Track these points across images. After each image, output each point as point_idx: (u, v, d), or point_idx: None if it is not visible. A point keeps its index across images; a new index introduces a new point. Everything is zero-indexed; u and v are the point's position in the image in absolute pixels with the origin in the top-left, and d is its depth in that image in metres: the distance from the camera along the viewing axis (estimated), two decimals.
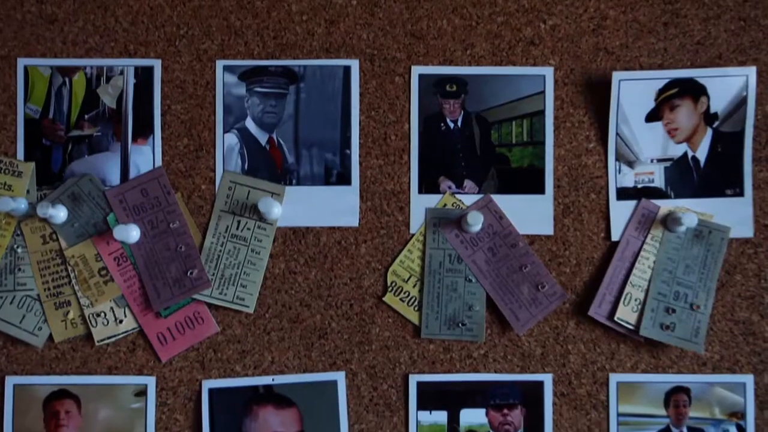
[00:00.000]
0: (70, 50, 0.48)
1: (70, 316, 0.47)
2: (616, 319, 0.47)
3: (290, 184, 0.48)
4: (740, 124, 0.48)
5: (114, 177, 0.48)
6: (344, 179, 0.48)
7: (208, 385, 0.48)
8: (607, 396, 0.48)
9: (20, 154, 0.48)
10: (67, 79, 0.48)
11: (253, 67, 0.48)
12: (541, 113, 0.48)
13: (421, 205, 0.48)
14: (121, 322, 0.47)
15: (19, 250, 0.47)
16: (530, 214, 0.48)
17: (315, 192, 0.48)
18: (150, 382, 0.48)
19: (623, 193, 0.48)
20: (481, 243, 0.48)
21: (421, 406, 0.48)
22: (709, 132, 0.48)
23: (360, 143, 0.48)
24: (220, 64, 0.48)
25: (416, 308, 0.48)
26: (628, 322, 0.47)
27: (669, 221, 0.47)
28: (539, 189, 0.48)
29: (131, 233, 0.46)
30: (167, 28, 0.48)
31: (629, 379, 0.48)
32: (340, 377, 0.48)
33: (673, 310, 0.47)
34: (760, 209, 0.48)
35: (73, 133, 0.48)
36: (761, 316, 0.48)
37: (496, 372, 0.48)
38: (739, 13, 0.48)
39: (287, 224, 0.48)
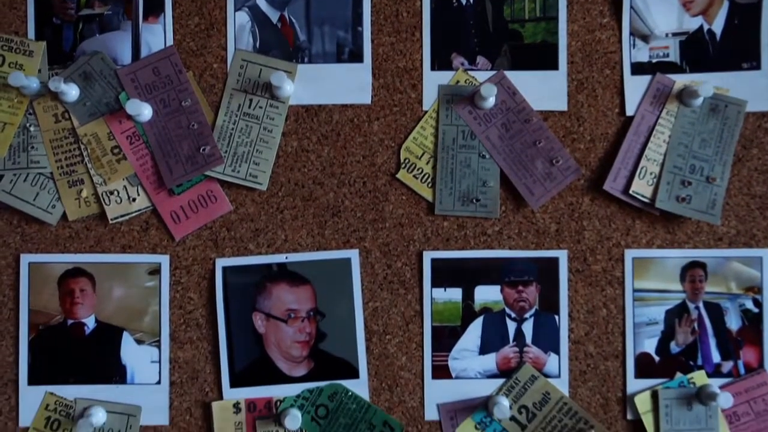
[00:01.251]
0: None
1: (84, 194, 0.47)
2: (631, 192, 0.47)
3: (302, 62, 0.48)
4: None
5: (125, 56, 0.48)
6: (356, 56, 0.48)
7: (221, 263, 0.48)
8: (623, 272, 0.48)
9: (31, 33, 0.48)
10: None
11: None
12: None
13: (433, 81, 0.48)
14: (134, 200, 0.47)
15: (32, 128, 0.47)
16: (543, 91, 0.48)
17: (327, 70, 0.48)
18: (164, 260, 0.48)
19: (638, 68, 0.48)
20: (494, 119, 0.48)
21: (435, 283, 0.48)
22: (726, 4, 0.48)
23: (372, 20, 0.48)
24: None
25: (430, 185, 0.48)
26: (643, 196, 0.47)
27: (684, 95, 0.47)
28: (552, 65, 0.48)
29: (143, 109, 0.46)
30: None
31: (645, 255, 0.48)
32: (353, 255, 0.48)
33: (689, 183, 0.47)
34: None
35: (84, 11, 0.48)
36: None
37: (510, 249, 0.48)
38: None
39: (299, 102, 0.48)
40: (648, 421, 0.47)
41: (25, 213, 0.47)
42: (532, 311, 0.48)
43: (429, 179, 0.48)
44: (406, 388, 0.48)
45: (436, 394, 0.48)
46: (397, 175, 0.48)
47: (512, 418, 0.47)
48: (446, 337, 0.48)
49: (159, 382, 0.48)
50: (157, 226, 0.48)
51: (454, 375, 0.48)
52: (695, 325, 0.48)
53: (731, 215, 0.48)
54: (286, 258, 0.48)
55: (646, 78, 0.48)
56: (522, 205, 0.48)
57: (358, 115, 0.48)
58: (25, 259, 0.47)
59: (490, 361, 0.48)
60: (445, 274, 0.48)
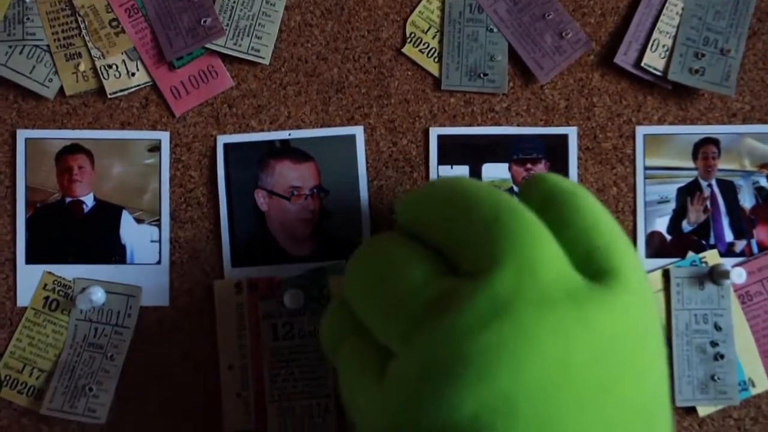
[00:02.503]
0: None
1: (81, 67, 0.46)
2: (643, 65, 0.46)
3: None
4: None
5: None
6: None
7: (222, 140, 0.47)
8: (634, 149, 0.47)
9: None
10: None
11: None
12: None
13: None
14: (133, 75, 0.46)
15: (27, 0, 0.46)
16: None
17: None
18: (164, 137, 0.47)
19: None
20: None
21: (441, 161, 0.47)
22: None
23: None
24: None
25: (436, 60, 0.47)
26: (655, 68, 0.46)
27: None
28: None
29: None
30: None
31: (656, 132, 0.47)
32: (358, 131, 0.47)
33: (703, 55, 0.46)
34: None
35: None
36: None
37: (518, 126, 0.47)
38: None
39: None
40: (659, 300, 0.46)
41: (21, 87, 0.46)
42: None
43: (435, 54, 0.47)
44: None
45: None
46: (403, 50, 0.47)
47: None
48: None
49: (159, 262, 0.47)
50: (156, 102, 0.47)
51: None
52: (708, 203, 0.47)
53: (745, 91, 0.47)
54: (289, 135, 0.47)
55: None
56: (530, 81, 0.47)
57: None
58: (22, 134, 0.46)
59: None
60: (452, 151, 0.47)
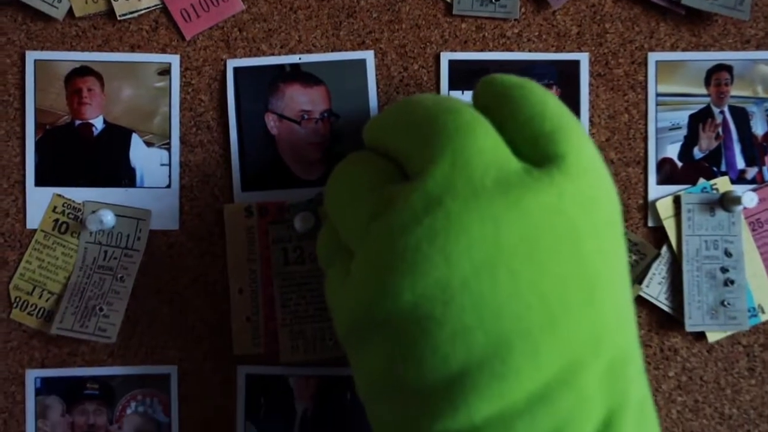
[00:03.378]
0: None
1: None
2: None
3: None
4: None
5: None
6: None
7: (233, 64, 0.46)
8: (646, 76, 0.47)
9: None
10: None
11: None
12: None
13: None
14: None
15: None
16: None
17: None
18: (174, 60, 0.46)
19: None
20: None
21: (453, 86, 0.46)
22: None
23: None
24: None
25: None
26: None
27: None
28: None
29: None
30: None
31: (669, 58, 0.46)
32: (369, 56, 0.46)
33: None
34: None
35: None
36: None
37: (530, 51, 0.47)
38: None
39: None
40: (669, 226, 0.46)
41: (30, 8, 0.46)
42: None
43: None
44: None
45: None
46: None
47: None
48: None
49: (169, 186, 0.46)
50: (166, 25, 0.46)
51: None
52: (719, 129, 0.47)
53: (759, 17, 0.46)
54: (300, 59, 0.46)
55: None
56: (542, 6, 0.46)
57: None
58: (31, 56, 0.46)
59: None
60: (463, 76, 0.46)
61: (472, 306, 0.25)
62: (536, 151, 0.29)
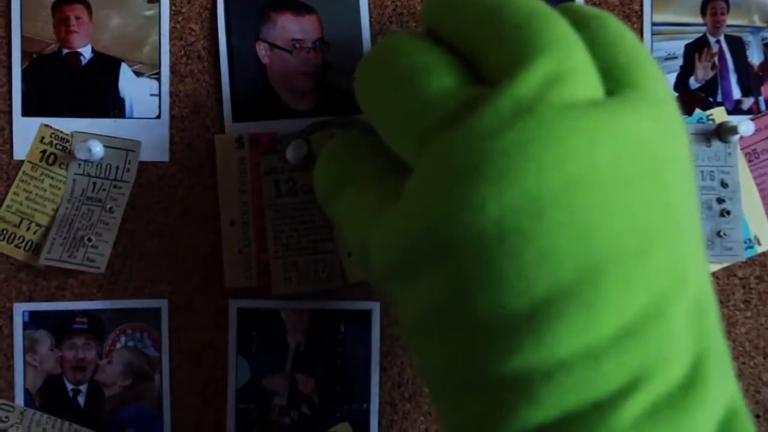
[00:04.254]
0: None
1: None
2: None
3: None
4: None
5: None
6: None
7: None
8: (641, 5, 0.46)
9: None
10: None
11: None
12: None
13: None
14: None
15: None
16: None
17: None
18: None
19: None
20: None
21: None
22: None
23: None
24: None
25: None
26: None
27: None
28: None
29: None
30: None
31: None
32: None
33: None
34: None
35: None
36: None
37: None
38: None
39: None
40: None
41: None
42: None
43: None
44: None
45: None
46: None
47: None
48: None
49: (159, 117, 0.46)
50: None
51: None
52: (715, 59, 0.46)
53: None
54: None
55: None
56: None
57: None
58: None
59: None
60: None
61: (563, 224, 0.23)
62: (610, 81, 0.27)
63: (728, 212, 0.45)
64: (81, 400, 0.46)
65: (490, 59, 0.27)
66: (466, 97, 0.26)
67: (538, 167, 0.23)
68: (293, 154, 0.44)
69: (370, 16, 0.46)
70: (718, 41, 0.46)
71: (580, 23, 0.29)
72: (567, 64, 0.25)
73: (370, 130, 0.35)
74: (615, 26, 0.30)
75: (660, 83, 0.29)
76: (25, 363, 0.46)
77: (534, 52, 0.25)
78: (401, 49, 0.31)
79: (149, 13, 0.46)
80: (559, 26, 0.27)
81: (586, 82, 0.26)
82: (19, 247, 0.45)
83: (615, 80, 0.27)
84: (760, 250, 0.46)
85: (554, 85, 0.25)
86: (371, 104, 0.32)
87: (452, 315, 0.25)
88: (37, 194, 0.45)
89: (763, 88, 0.46)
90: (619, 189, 0.24)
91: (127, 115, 0.46)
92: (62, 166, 0.45)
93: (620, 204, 0.24)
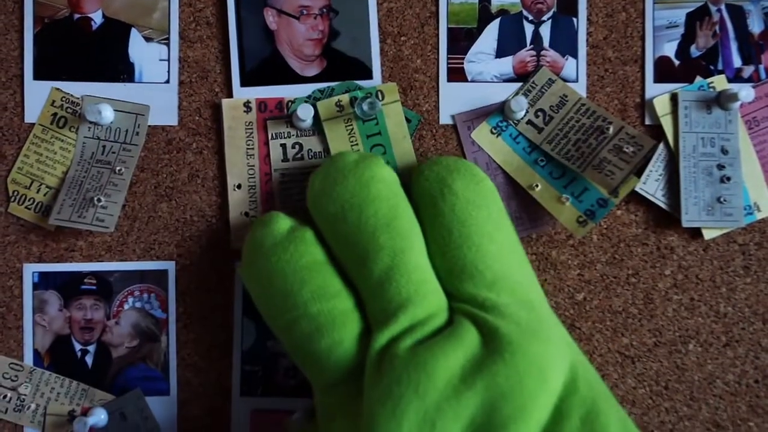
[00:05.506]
0: None
1: None
2: None
3: None
4: None
5: None
6: None
7: None
8: None
9: None
10: None
11: None
12: None
13: None
14: None
15: None
16: None
17: None
18: None
19: None
20: None
21: None
22: None
23: None
24: None
25: None
26: None
27: None
28: None
29: None
30: None
31: None
32: None
33: None
34: None
35: None
36: None
37: None
38: None
39: None
40: (666, 123, 0.46)
41: None
42: (550, 13, 0.47)
43: None
44: (421, 91, 0.47)
45: (452, 97, 0.47)
46: None
47: (529, 122, 0.46)
48: (462, 40, 0.47)
49: (168, 81, 0.46)
50: None
51: (470, 78, 0.47)
52: (716, 28, 0.47)
53: None
54: None
55: None
56: None
57: None
58: None
59: (506, 64, 0.47)
60: None
61: None
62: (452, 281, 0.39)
63: (728, 178, 0.46)
64: (89, 360, 0.46)
65: (365, 300, 0.38)
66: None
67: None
68: (301, 111, 0.44)
69: None
70: (719, 10, 0.47)
71: (428, 202, 0.39)
72: (420, 316, 0.36)
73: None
74: (457, 213, 0.38)
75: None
76: (35, 323, 0.46)
77: (394, 311, 0.36)
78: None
79: None
80: (415, 276, 0.37)
81: (435, 322, 0.36)
82: (30, 209, 0.46)
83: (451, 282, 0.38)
84: (759, 216, 0.46)
85: (410, 333, 0.35)
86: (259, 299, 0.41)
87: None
88: (47, 156, 0.46)
89: (763, 57, 0.47)
90: None
91: (136, 80, 0.46)
92: (72, 129, 0.46)
93: None
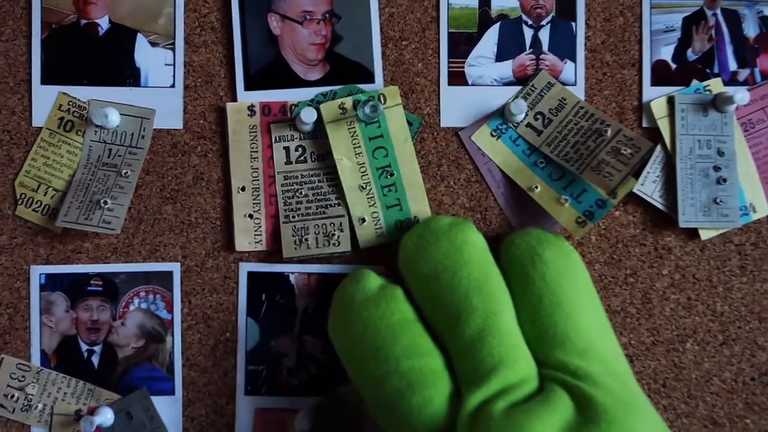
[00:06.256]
0: None
1: None
2: None
3: None
4: None
5: None
6: None
7: None
8: None
9: None
10: None
11: None
12: None
13: None
14: None
15: None
16: None
17: None
18: None
19: None
20: None
21: None
22: None
23: None
24: None
25: None
26: None
27: None
28: None
29: None
30: None
31: None
32: None
33: None
34: None
35: None
36: None
37: None
38: None
39: None
40: (664, 126, 0.47)
41: None
42: (549, 18, 0.48)
43: None
44: (422, 95, 0.47)
45: (453, 100, 0.47)
46: None
47: (528, 125, 0.47)
48: (462, 44, 0.48)
49: (173, 86, 0.47)
50: None
51: (470, 82, 0.48)
52: (712, 32, 0.48)
53: None
54: None
55: None
56: None
57: None
58: None
59: (506, 68, 0.48)
60: None
61: None
62: (542, 347, 0.39)
63: (724, 180, 0.46)
64: (95, 360, 0.47)
65: (454, 361, 0.39)
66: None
67: None
68: (305, 114, 0.44)
69: None
70: (714, 14, 0.48)
71: (519, 271, 0.40)
72: (512, 380, 0.36)
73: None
74: (547, 281, 0.39)
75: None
76: (42, 324, 0.47)
77: (486, 373, 0.36)
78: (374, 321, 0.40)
79: None
80: (506, 339, 0.37)
81: (526, 387, 0.37)
82: (37, 211, 0.47)
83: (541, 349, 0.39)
84: (755, 216, 0.47)
85: (503, 396, 0.36)
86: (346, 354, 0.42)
87: None
88: (54, 160, 0.47)
89: (758, 60, 0.48)
90: None
91: (142, 84, 0.47)
92: (79, 132, 0.47)
93: None
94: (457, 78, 0.47)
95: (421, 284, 0.40)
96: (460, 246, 0.40)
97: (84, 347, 0.47)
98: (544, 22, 0.48)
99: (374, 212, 0.46)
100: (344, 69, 0.47)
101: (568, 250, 0.41)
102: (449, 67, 0.47)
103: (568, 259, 0.40)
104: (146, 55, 0.47)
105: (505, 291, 0.40)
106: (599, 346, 0.38)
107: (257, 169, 0.47)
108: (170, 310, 0.47)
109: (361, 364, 0.40)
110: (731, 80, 0.48)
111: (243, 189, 0.47)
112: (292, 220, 0.47)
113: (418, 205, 0.47)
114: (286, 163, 0.47)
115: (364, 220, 0.46)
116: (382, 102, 0.47)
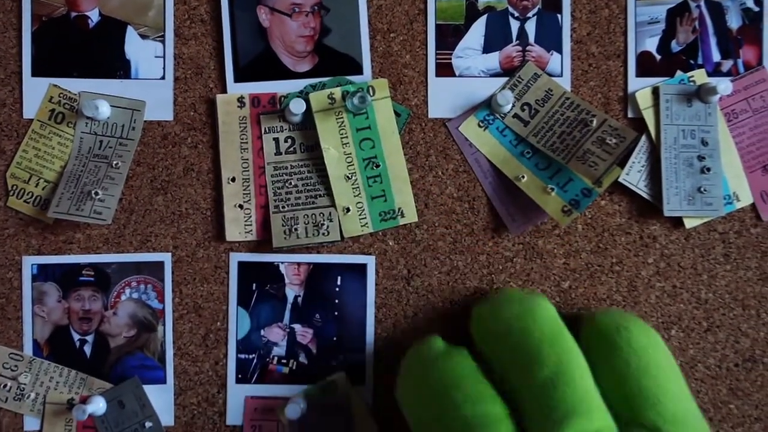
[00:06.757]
0: None
1: None
2: None
3: None
4: None
5: None
6: None
7: None
8: None
9: None
10: None
11: None
12: None
13: None
14: None
15: None
16: None
17: None
18: None
19: None
20: None
21: None
22: None
23: None
24: None
25: None
26: None
27: None
28: None
29: None
30: None
31: None
32: None
33: None
34: None
35: None
36: None
37: None
38: None
39: None
40: (648, 116, 0.48)
41: None
42: (535, 10, 0.48)
43: None
44: (410, 86, 0.48)
45: (440, 92, 0.48)
46: None
47: (515, 115, 0.48)
48: (450, 36, 0.48)
49: (163, 78, 0.48)
50: None
51: (457, 73, 0.48)
52: (696, 23, 0.48)
53: None
54: None
55: None
56: None
57: None
58: None
59: (493, 59, 0.48)
60: None
61: None
62: (625, 409, 0.39)
63: (708, 169, 0.47)
64: (87, 349, 0.47)
65: (523, 406, 0.39)
66: None
67: None
68: (294, 105, 0.45)
69: None
70: (698, 6, 0.48)
71: (603, 340, 0.41)
72: (590, 429, 0.36)
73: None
74: (634, 347, 0.40)
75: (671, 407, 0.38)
76: (34, 314, 0.47)
77: (561, 418, 0.36)
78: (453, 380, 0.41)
79: None
80: (580, 388, 0.37)
81: None
82: (28, 203, 0.47)
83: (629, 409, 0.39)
84: (738, 205, 0.48)
85: None
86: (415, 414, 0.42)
87: None
88: (45, 151, 0.47)
89: (741, 51, 0.48)
90: None
91: (132, 76, 0.48)
92: (70, 124, 0.47)
93: None
94: (445, 69, 0.48)
95: (493, 340, 0.42)
96: (533, 309, 0.42)
97: (76, 337, 0.47)
98: (530, 14, 0.48)
99: (359, 202, 0.47)
100: (333, 61, 0.48)
101: (650, 328, 0.42)
102: (437, 59, 0.48)
103: (651, 334, 0.42)
104: (136, 48, 0.48)
105: (579, 350, 0.40)
106: (689, 419, 0.39)
107: (247, 159, 0.48)
108: (161, 300, 0.48)
109: (428, 413, 0.41)
110: (715, 71, 0.48)
111: (233, 180, 0.48)
112: (281, 210, 0.47)
113: (403, 197, 0.47)
114: (275, 154, 0.48)
115: (348, 210, 0.47)
116: (371, 94, 0.47)
